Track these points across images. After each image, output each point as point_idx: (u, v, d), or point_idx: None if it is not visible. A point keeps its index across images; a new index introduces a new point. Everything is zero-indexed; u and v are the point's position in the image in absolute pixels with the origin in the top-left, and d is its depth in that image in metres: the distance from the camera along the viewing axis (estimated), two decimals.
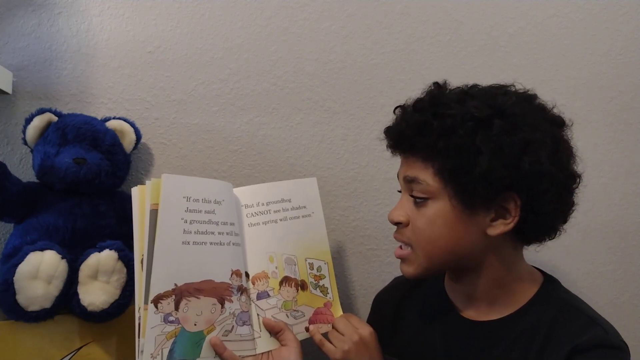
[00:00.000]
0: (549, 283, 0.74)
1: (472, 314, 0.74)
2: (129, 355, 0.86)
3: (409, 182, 0.70)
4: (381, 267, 1.06)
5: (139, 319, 0.69)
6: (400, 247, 0.74)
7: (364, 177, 1.06)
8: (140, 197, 0.73)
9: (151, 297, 0.68)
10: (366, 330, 0.76)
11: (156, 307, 0.68)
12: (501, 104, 0.66)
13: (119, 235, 0.87)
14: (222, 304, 0.74)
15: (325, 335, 0.79)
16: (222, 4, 1.01)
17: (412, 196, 0.70)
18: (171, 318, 0.69)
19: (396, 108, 0.75)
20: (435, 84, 0.73)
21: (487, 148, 0.62)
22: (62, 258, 0.77)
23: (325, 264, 0.85)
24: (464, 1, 1.09)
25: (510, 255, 0.71)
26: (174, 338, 0.69)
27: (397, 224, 0.72)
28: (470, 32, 1.09)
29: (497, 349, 0.69)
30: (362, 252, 1.06)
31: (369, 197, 1.06)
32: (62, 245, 0.79)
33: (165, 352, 0.68)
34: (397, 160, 1.08)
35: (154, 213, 0.71)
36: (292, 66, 1.04)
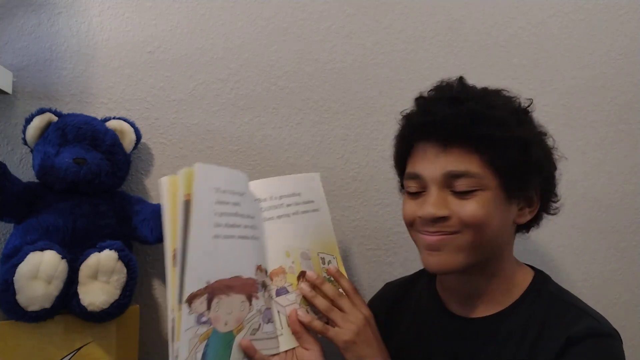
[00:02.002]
0: (540, 278, 0.75)
1: (466, 311, 0.75)
2: (129, 355, 0.86)
3: (452, 178, 0.67)
4: (381, 267, 1.06)
5: (173, 320, 0.63)
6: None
7: (364, 177, 1.06)
8: (171, 187, 0.67)
9: (185, 296, 0.62)
10: (368, 311, 0.75)
11: (190, 307, 0.62)
12: (517, 103, 0.72)
13: (119, 235, 0.87)
14: (250, 301, 0.70)
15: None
16: (222, 4, 1.01)
17: (455, 191, 0.67)
18: (204, 318, 0.64)
19: (418, 98, 0.74)
20: (460, 78, 0.74)
21: (532, 139, 0.68)
22: (62, 258, 0.76)
23: (334, 258, 0.83)
24: (464, 1, 1.09)
25: (512, 247, 0.75)
26: (206, 340, 0.64)
27: (439, 219, 0.67)
28: (470, 32, 1.09)
29: (490, 345, 0.70)
30: (362, 252, 1.06)
31: (369, 197, 1.06)
32: (62, 245, 0.79)
33: (199, 356, 0.63)
34: None
35: (187, 204, 0.65)
36: (292, 66, 1.04)
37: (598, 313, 0.69)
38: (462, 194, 0.67)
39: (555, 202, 0.75)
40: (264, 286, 0.74)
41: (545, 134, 0.73)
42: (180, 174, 0.67)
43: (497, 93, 0.72)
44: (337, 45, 1.05)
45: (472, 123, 0.65)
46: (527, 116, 0.71)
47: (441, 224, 0.68)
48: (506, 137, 0.66)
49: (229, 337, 0.68)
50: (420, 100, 0.73)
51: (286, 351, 0.74)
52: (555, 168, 0.73)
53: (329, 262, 0.83)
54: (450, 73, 1.05)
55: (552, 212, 0.76)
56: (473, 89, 0.72)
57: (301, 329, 0.74)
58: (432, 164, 0.69)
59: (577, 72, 1.13)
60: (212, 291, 0.65)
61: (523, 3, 1.11)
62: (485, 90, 0.72)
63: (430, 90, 0.74)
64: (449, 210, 0.67)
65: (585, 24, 1.13)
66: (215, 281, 0.66)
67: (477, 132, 0.65)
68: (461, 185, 0.67)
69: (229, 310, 0.67)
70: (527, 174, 0.68)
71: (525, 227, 0.76)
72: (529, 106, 0.73)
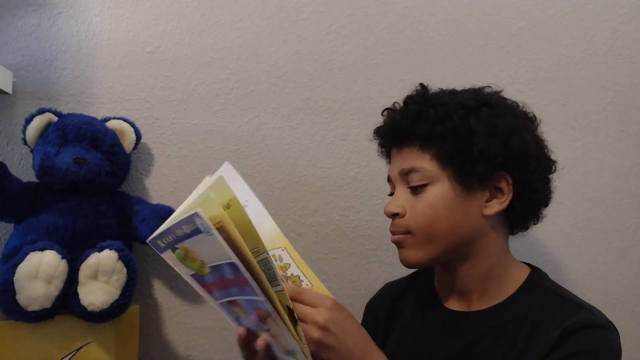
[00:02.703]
0: (536, 274, 0.76)
1: (462, 306, 0.76)
2: (129, 355, 0.86)
3: (405, 175, 0.72)
4: (381, 267, 1.06)
5: None
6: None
7: (364, 177, 1.06)
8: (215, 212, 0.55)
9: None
10: (326, 305, 0.63)
11: None
12: (486, 96, 0.74)
13: (119, 235, 0.87)
14: None
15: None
16: (222, 4, 1.01)
17: (410, 187, 0.72)
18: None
19: (384, 110, 0.79)
20: (421, 84, 0.77)
21: (480, 129, 0.69)
22: (62, 258, 0.77)
23: (283, 250, 0.71)
24: (464, 1, 1.09)
25: (501, 242, 0.75)
26: None
27: (394, 215, 0.73)
28: (470, 32, 1.09)
29: (485, 338, 0.71)
30: (362, 252, 1.06)
31: (369, 197, 1.06)
32: (62, 245, 0.79)
33: None
34: None
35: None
36: (292, 66, 1.04)
37: (593, 307, 0.70)
38: (416, 190, 0.72)
39: (540, 191, 0.74)
40: None
41: (517, 125, 0.71)
42: (213, 188, 0.57)
43: (452, 92, 0.75)
44: (337, 45, 1.05)
45: (413, 122, 0.72)
46: (485, 108, 0.70)
47: (397, 221, 0.73)
48: (446, 130, 0.69)
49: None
50: (383, 113, 0.79)
51: None
52: (534, 156, 0.71)
53: (280, 257, 0.71)
54: (450, 73, 1.06)
55: (537, 202, 0.74)
56: (424, 92, 0.76)
57: None
58: (393, 165, 0.76)
59: (577, 72, 1.13)
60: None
61: (523, 3, 1.11)
62: (439, 91, 0.75)
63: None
64: (403, 208, 0.72)
65: (585, 24, 1.13)
66: None
67: (417, 130, 0.71)
68: (412, 180, 0.72)
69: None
70: (475, 163, 0.69)
71: (521, 225, 0.76)
72: (491, 99, 0.72)
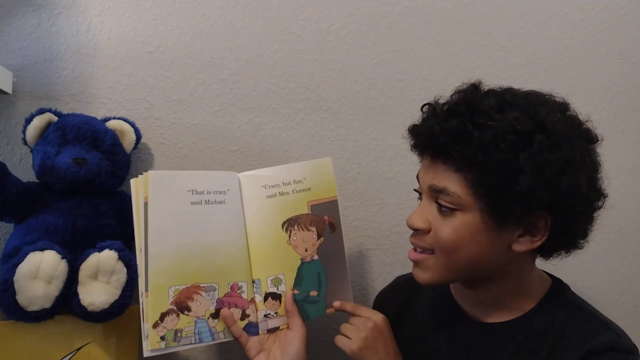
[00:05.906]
0: (558, 286, 0.74)
1: (480, 315, 0.74)
2: (129, 355, 0.86)
3: (434, 192, 0.67)
4: (381, 267, 1.06)
5: (142, 304, 0.73)
6: (415, 250, 0.71)
7: (364, 177, 1.06)
8: (136, 189, 0.76)
9: (146, 287, 0.73)
10: (378, 317, 0.77)
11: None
12: (543, 118, 0.63)
13: (119, 235, 0.87)
14: None
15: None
16: (222, 4, 1.01)
17: (438, 204, 0.67)
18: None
19: (424, 105, 0.71)
20: (472, 85, 0.70)
21: (528, 167, 0.60)
22: (62, 258, 0.76)
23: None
24: (464, 1, 1.09)
25: (527, 266, 0.71)
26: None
27: (416, 230, 0.70)
28: (470, 32, 1.09)
29: (504, 351, 0.69)
30: (362, 252, 1.06)
31: (369, 197, 1.06)
32: (62, 245, 0.79)
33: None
34: (397, 161, 1.08)
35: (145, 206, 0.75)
36: (292, 66, 1.04)
37: (618, 326, 0.67)
38: (444, 211, 0.66)
39: (580, 231, 0.69)
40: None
41: (571, 160, 0.62)
42: (141, 178, 0.75)
43: (506, 103, 0.64)
44: (337, 45, 1.05)
45: (454, 142, 0.63)
46: (539, 135, 0.61)
47: (420, 236, 0.70)
48: (489, 160, 0.61)
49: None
50: (423, 108, 0.72)
51: (267, 332, 0.79)
52: (582, 196, 0.63)
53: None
54: (450, 73, 1.06)
55: (570, 246, 0.70)
56: (477, 101, 0.65)
57: (293, 309, 0.78)
58: (423, 174, 0.70)
59: (577, 72, 1.13)
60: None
61: (523, 3, 1.11)
62: (491, 97, 0.65)
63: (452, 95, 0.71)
64: (428, 225, 0.68)
65: (586, 24, 1.13)
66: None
67: (457, 153, 0.63)
68: (443, 201, 0.66)
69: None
70: (514, 203, 0.61)
71: (544, 256, 0.71)
72: (548, 121, 0.63)
